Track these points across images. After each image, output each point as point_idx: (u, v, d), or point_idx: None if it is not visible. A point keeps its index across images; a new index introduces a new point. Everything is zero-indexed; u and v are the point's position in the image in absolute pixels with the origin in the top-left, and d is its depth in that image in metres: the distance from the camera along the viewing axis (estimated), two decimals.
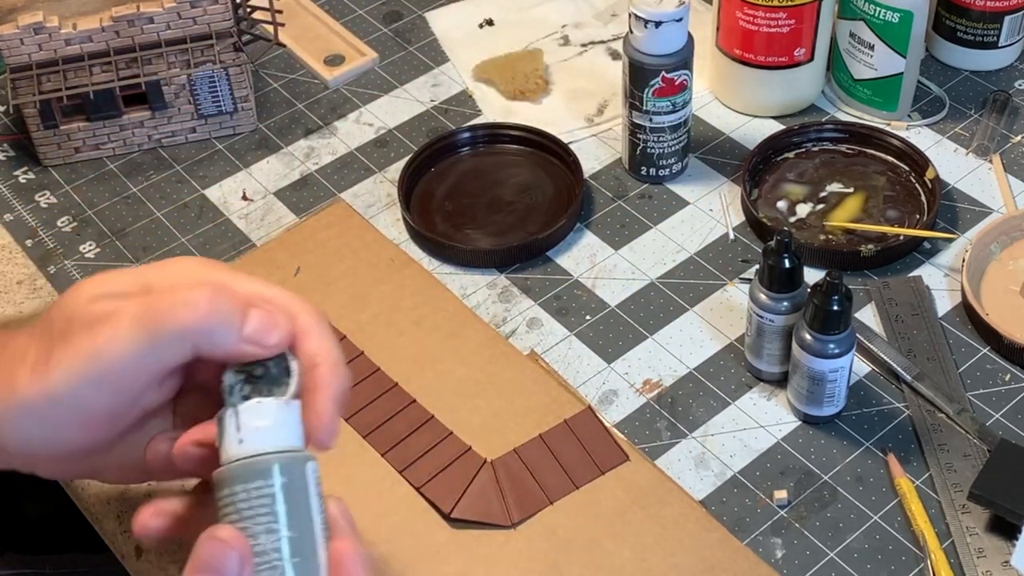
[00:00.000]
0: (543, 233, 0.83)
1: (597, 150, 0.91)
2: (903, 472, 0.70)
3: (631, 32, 0.82)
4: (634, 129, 0.86)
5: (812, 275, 0.72)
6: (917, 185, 0.86)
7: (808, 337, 0.69)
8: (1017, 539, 0.65)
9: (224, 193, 0.90)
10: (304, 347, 0.56)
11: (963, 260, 0.79)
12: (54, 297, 0.83)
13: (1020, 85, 0.94)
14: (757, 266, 0.72)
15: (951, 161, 0.88)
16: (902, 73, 0.89)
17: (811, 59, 0.90)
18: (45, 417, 0.55)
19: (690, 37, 0.83)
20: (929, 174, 0.85)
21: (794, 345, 0.70)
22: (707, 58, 0.94)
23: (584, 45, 1.00)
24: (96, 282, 0.56)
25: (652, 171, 0.88)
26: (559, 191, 0.87)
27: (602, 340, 0.78)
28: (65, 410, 0.54)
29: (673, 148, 0.87)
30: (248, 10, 0.92)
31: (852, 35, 0.89)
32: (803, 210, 0.85)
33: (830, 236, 0.83)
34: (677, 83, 0.83)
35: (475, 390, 0.75)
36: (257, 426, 0.52)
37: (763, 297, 0.71)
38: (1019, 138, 0.90)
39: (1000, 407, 0.73)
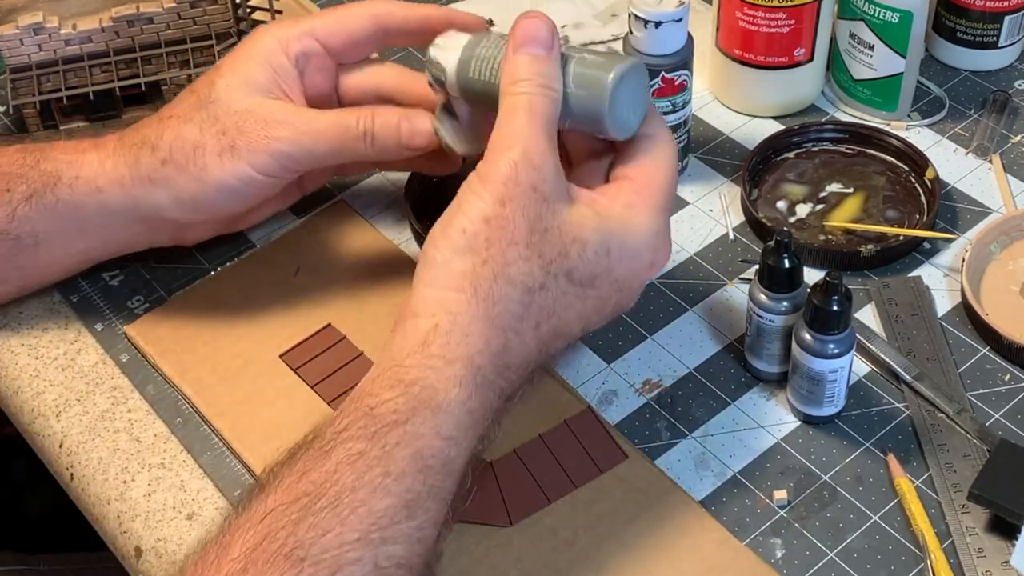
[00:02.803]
0: None
1: None
2: (903, 472, 0.70)
3: (631, 32, 0.82)
4: None
5: (812, 275, 0.72)
6: (917, 185, 0.86)
7: (808, 337, 0.69)
8: (1017, 539, 0.65)
9: None
10: None
11: (963, 260, 0.79)
12: (55, 297, 0.83)
13: (1020, 85, 0.94)
14: (757, 266, 0.72)
15: (951, 161, 0.88)
16: (902, 73, 0.89)
17: (811, 59, 0.90)
18: (234, 191, 0.73)
19: (690, 37, 0.83)
20: (929, 174, 0.85)
21: (794, 345, 0.70)
22: (707, 58, 0.94)
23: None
24: (239, 82, 0.73)
25: None
26: None
27: (602, 340, 0.78)
28: (253, 187, 0.74)
29: None
30: (248, 10, 0.92)
31: (852, 35, 0.89)
32: (803, 210, 0.85)
33: (830, 236, 0.83)
34: (677, 83, 0.83)
35: None
36: None
37: (763, 297, 0.71)
38: (1019, 138, 0.90)
39: (1000, 407, 0.73)
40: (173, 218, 0.75)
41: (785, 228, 0.81)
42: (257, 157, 0.72)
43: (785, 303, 0.71)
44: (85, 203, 0.75)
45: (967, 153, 0.89)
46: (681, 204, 0.87)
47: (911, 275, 0.81)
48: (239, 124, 0.72)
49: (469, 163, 0.68)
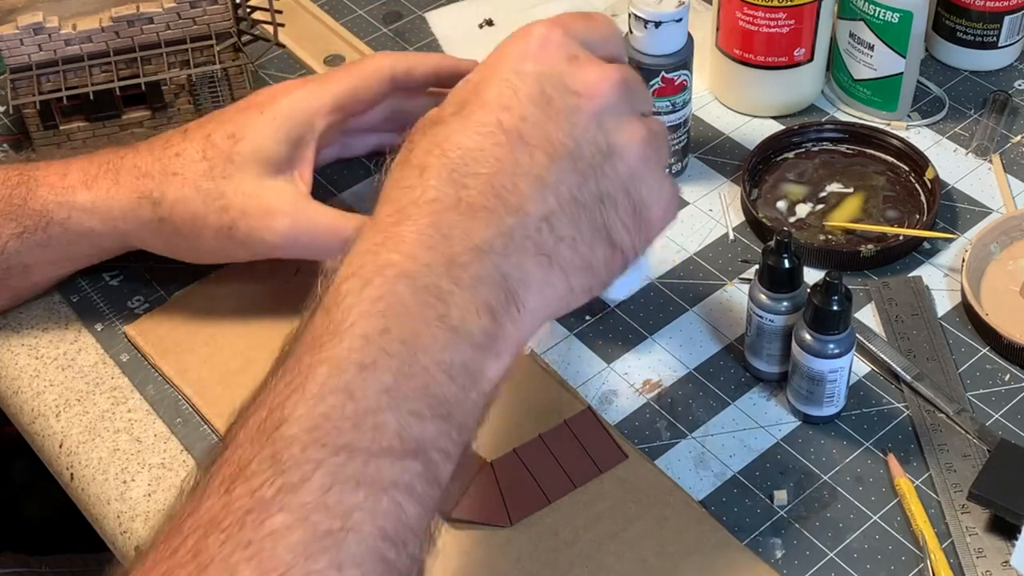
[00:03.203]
0: None
1: None
2: (903, 472, 0.70)
3: (631, 32, 0.82)
4: None
5: (812, 275, 0.72)
6: (917, 185, 0.86)
7: (808, 337, 0.69)
8: (1017, 539, 0.65)
9: None
10: None
11: (963, 260, 0.79)
12: (55, 297, 0.83)
13: (1020, 85, 0.94)
14: (757, 266, 0.72)
15: (951, 161, 0.88)
16: (902, 73, 0.89)
17: (811, 59, 0.90)
18: (225, 258, 0.78)
19: (690, 37, 0.83)
20: (929, 174, 0.85)
21: (794, 345, 0.70)
22: (707, 58, 0.94)
23: None
24: (256, 159, 0.74)
25: None
26: None
27: (602, 340, 0.78)
28: (243, 258, 0.77)
29: (673, 148, 0.87)
30: (248, 10, 0.92)
31: (852, 35, 0.89)
32: (803, 210, 0.85)
33: (830, 236, 0.83)
34: (677, 83, 0.83)
35: None
36: None
37: (763, 297, 0.71)
38: (1019, 138, 0.90)
39: (1000, 407, 0.73)
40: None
41: (785, 228, 0.81)
42: (252, 244, 0.75)
43: (785, 303, 0.71)
44: (77, 240, 0.76)
45: (967, 153, 0.89)
46: (681, 204, 0.87)
47: (911, 275, 0.81)
48: (243, 206, 0.74)
49: None
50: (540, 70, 0.58)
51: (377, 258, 0.54)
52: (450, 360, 0.53)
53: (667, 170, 0.64)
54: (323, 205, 0.76)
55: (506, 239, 0.56)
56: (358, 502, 0.49)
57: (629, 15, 0.81)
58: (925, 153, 0.86)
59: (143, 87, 0.88)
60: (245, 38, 0.91)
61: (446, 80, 0.80)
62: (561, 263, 0.57)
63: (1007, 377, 0.75)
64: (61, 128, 0.90)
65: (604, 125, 0.59)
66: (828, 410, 0.72)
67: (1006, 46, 0.95)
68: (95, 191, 0.75)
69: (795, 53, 0.89)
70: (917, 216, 0.84)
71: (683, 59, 0.82)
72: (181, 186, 0.74)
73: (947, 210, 0.85)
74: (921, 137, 0.90)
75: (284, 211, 0.74)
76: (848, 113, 0.93)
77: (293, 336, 0.55)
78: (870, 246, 0.81)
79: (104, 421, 0.76)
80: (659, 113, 0.84)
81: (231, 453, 0.51)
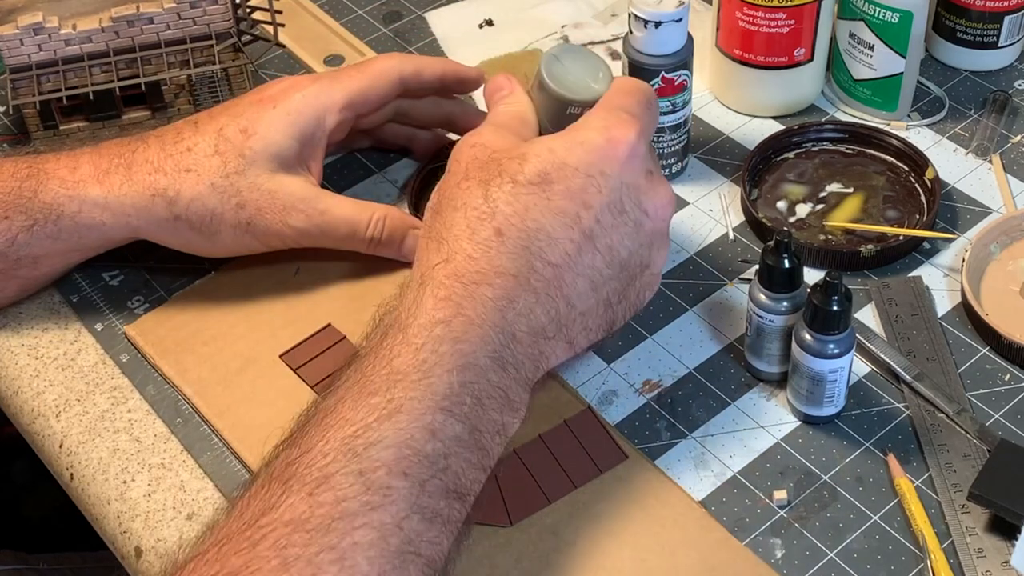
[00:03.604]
0: None
1: None
2: (903, 472, 0.70)
3: (631, 32, 0.82)
4: None
5: (812, 275, 0.72)
6: (917, 185, 0.86)
7: (808, 337, 0.69)
8: (1017, 539, 0.65)
9: None
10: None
11: (963, 260, 0.79)
12: (55, 297, 0.83)
13: (1020, 85, 0.94)
14: (757, 266, 0.72)
15: (951, 161, 0.88)
16: (902, 73, 0.89)
17: (811, 59, 0.90)
18: (242, 252, 0.78)
19: (690, 37, 0.83)
20: (929, 174, 0.85)
21: (794, 345, 0.70)
22: (707, 58, 0.94)
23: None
24: (269, 156, 0.75)
25: None
26: None
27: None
28: (259, 251, 0.79)
29: (673, 148, 0.87)
30: (248, 10, 0.92)
31: (852, 35, 0.89)
32: (803, 210, 0.85)
33: (830, 236, 0.83)
34: (677, 83, 0.83)
35: None
36: None
37: (763, 297, 0.71)
38: (1019, 138, 0.90)
39: (1000, 407, 0.73)
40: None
41: (785, 228, 0.81)
42: (269, 238, 0.77)
43: (785, 303, 0.71)
44: (88, 234, 0.77)
45: (967, 153, 0.89)
46: (681, 204, 0.87)
47: (911, 275, 0.81)
48: (259, 203, 0.75)
49: None
50: (623, 180, 0.66)
51: (462, 314, 0.61)
52: (499, 420, 0.61)
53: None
54: (337, 195, 0.78)
55: (555, 326, 0.64)
56: (421, 532, 0.56)
57: (629, 15, 0.81)
58: (925, 153, 0.86)
59: (143, 87, 0.88)
60: (245, 38, 0.91)
61: (451, 85, 0.84)
62: (576, 346, 0.67)
63: (1007, 377, 0.75)
64: (61, 128, 0.90)
65: (652, 243, 0.68)
66: (828, 410, 0.72)
67: (1006, 46, 0.95)
68: (107, 186, 0.75)
69: (795, 53, 0.89)
70: (917, 216, 0.84)
71: (683, 59, 0.82)
72: (195, 183, 0.74)
73: (947, 210, 0.85)
74: (921, 137, 0.90)
75: (299, 206, 0.75)
76: (848, 113, 0.93)
77: (371, 347, 0.61)
78: (870, 246, 0.81)
79: (104, 421, 0.76)
80: (659, 113, 0.84)
81: (312, 459, 0.56)
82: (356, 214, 0.77)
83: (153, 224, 0.76)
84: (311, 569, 0.52)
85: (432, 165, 0.88)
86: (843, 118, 0.92)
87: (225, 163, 0.75)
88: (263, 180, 0.75)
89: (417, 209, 0.84)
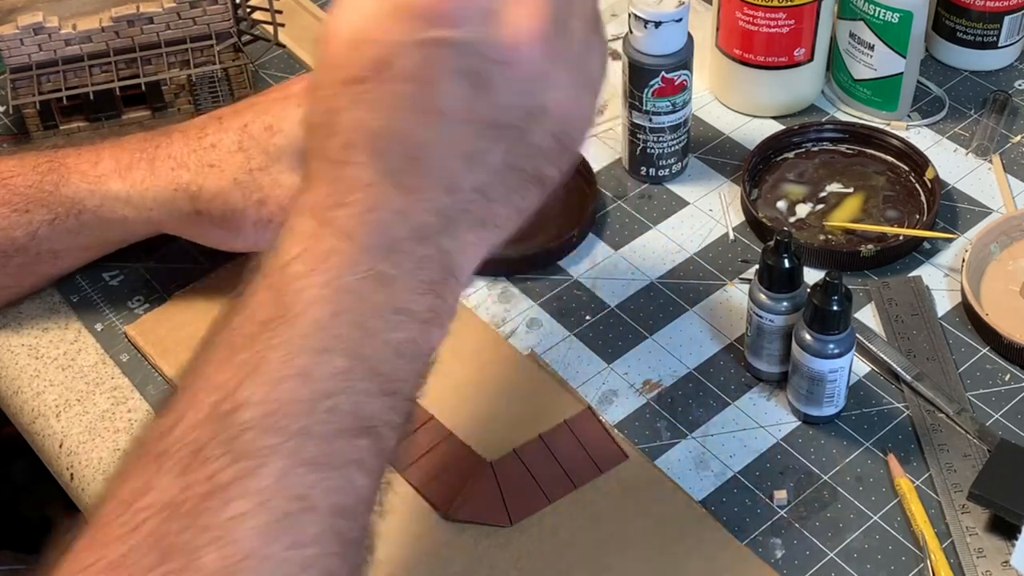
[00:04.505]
0: (555, 243, 0.82)
1: (597, 150, 0.91)
2: (903, 472, 0.70)
3: (631, 32, 0.82)
4: (634, 129, 0.86)
5: (812, 275, 0.72)
6: (917, 185, 0.86)
7: (808, 337, 0.69)
8: (1017, 539, 0.65)
9: None
10: None
11: (963, 260, 0.79)
12: (55, 297, 0.83)
13: (1020, 85, 0.94)
14: (757, 266, 0.72)
15: (951, 161, 0.88)
16: (902, 73, 0.89)
17: (811, 59, 0.90)
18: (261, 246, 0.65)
19: (690, 37, 0.83)
20: (929, 174, 0.85)
21: (794, 345, 0.70)
22: (707, 58, 0.94)
23: None
24: (291, 152, 0.73)
25: (652, 171, 0.88)
26: (569, 194, 0.86)
27: (602, 340, 0.78)
28: None
29: (673, 148, 0.87)
30: (248, 10, 0.92)
31: (852, 35, 0.89)
32: (803, 210, 0.85)
33: (830, 236, 0.83)
34: (677, 83, 0.83)
35: (475, 390, 0.75)
36: None
37: (763, 297, 0.71)
38: (1019, 138, 0.90)
39: (1000, 407, 0.73)
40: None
41: (785, 228, 0.81)
42: None
43: (785, 303, 0.71)
44: (109, 228, 0.77)
45: (967, 153, 0.89)
46: (681, 204, 0.87)
47: (911, 275, 0.81)
48: (279, 199, 0.74)
49: None
50: (459, 38, 0.53)
51: (320, 243, 0.54)
52: (398, 339, 0.54)
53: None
54: None
55: (443, 217, 0.55)
56: (313, 483, 0.50)
57: (629, 15, 0.81)
58: (925, 153, 0.86)
59: (143, 87, 0.88)
60: (245, 38, 0.91)
61: None
62: (496, 221, 0.57)
63: (1007, 377, 0.75)
64: (61, 128, 0.90)
65: (531, 89, 0.55)
66: (828, 410, 0.72)
67: (1006, 46, 0.95)
68: (129, 180, 0.75)
69: (795, 53, 0.89)
70: (917, 216, 0.84)
71: (683, 59, 0.82)
72: (219, 179, 0.74)
73: (947, 210, 0.85)
74: (921, 137, 0.90)
75: None
76: (848, 113, 0.93)
77: (234, 308, 0.55)
78: (870, 246, 0.81)
79: (104, 421, 0.76)
80: (659, 113, 0.84)
81: (183, 433, 0.51)
82: None
83: (175, 219, 0.76)
84: (190, 556, 0.48)
85: None
86: (843, 118, 0.92)
87: (249, 159, 0.74)
88: (286, 177, 0.74)
89: None
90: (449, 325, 0.56)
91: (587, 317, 0.79)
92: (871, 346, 0.75)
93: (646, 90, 0.83)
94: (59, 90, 0.87)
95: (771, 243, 0.70)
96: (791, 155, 0.89)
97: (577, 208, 0.85)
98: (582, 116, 0.58)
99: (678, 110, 0.85)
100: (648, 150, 0.86)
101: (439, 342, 0.56)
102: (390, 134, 0.55)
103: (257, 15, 0.93)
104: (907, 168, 0.87)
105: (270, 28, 0.93)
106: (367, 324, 0.53)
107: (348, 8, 0.56)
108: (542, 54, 0.55)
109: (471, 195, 0.56)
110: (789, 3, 0.86)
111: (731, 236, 0.84)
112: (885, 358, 0.75)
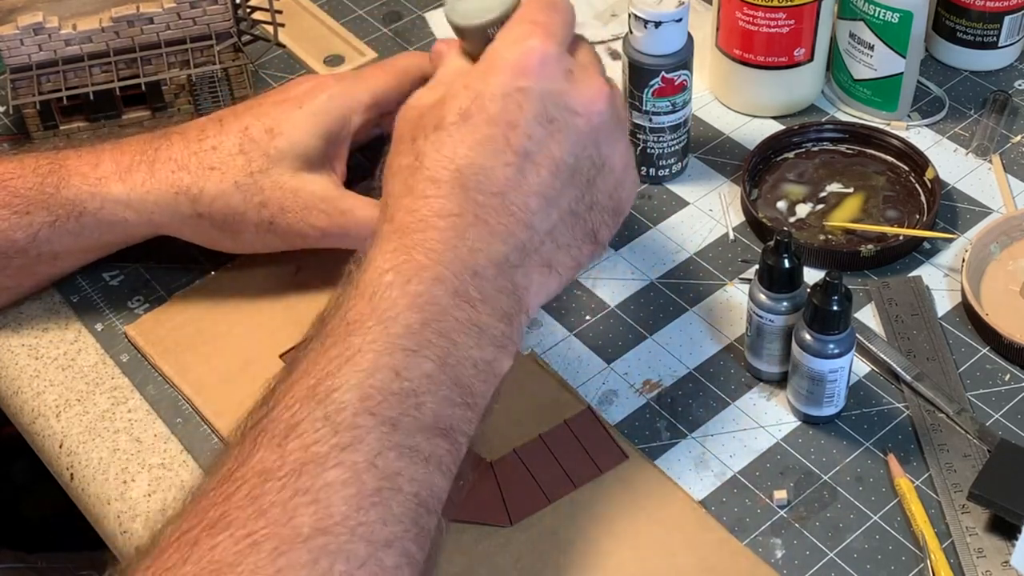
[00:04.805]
0: None
1: None
2: (903, 472, 0.70)
3: (631, 32, 0.82)
4: (634, 129, 0.86)
5: (812, 275, 0.72)
6: (917, 185, 0.86)
7: (808, 337, 0.69)
8: (1017, 539, 0.65)
9: None
10: None
11: (963, 260, 0.79)
12: (55, 297, 0.83)
13: (1020, 85, 0.94)
14: (757, 266, 0.72)
15: (951, 161, 0.88)
16: (902, 73, 0.89)
17: (811, 59, 0.90)
18: (263, 249, 0.78)
19: (690, 37, 0.83)
20: (929, 174, 0.85)
21: (794, 345, 0.70)
22: (707, 58, 0.94)
23: None
24: (294, 155, 0.75)
25: (652, 171, 0.88)
26: None
27: (602, 340, 0.78)
28: (280, 249, 0.79)
29: (673, 148, 0.87)
30: (248, 10, 0.92)
31: (852, 35, 0.89)
32: (803, 210, 0.85)
33: (830, 236, 0.83)
34: (677, 83, 0.83)
35: None
36: None
37: (763, 297, 0.71)
38: (1019, 138, 0.90)
39: (1000, 407, 0.73)
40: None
41: (785, 228, 0.81)
42: (291, 238, 0.76)
43: (785, 303, 0.71)
44: (110, 230, 0.77)
45: (967, 153, 0.89)
46: (681, 204, 0.87)
47: (911, 275, 0.81)
48: (281, 202, 0.75)
49: None
50: (542, 88, 0.63)
51: (412, 259, 0.59)
52: (477, 356, 0.59)
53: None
54: (360, 196, 0.77)
55: (519, 253, 0.62)
56: (401, 468, 0.55)
57: (629, 15, 0.81)
58: (925, 153, 0.86)
59: (143, 87, 0.88)
60: (245, 38, 0.91)
61: None
62: (558, 268, 0.64)
63: (1007, 377, 0.75)
64: (61, 128, 0.90)
65: (598, 140, 0.64)
66: (828, 410, 0.72)
67: (1006, 46, 0.95)
68: (129, 183, 0.75)
69: (795, 53, 0.89)
70: (917, 216, 0.84)
71: (683, 59, 0.82)
72: (219, 182, 0.74)
73: (947, 210, 0.85)
74: (921, 137, 0.90)
75: (321, 206, 0.75)
76: (848, 113, 0.93)
77: (329, 312, 0.61)
78: (870, 246, 0.81)
79: (104, 421, 0.76)
80: (659, 113, 0.84)
81: (279, 413, 0.55)
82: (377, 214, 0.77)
83: (176, 221, 0.76)
84: (287, 514, 0.52)
85: None
86: (843, 118, 0.92)
87: (249, 162, 0.75)
88: (286, 179, 0.75)
89: None
90: (515, 356, 0.62)
91: (587, 317, 0.79)
92: (871, 346, 0.75)
93: (646, 90, 0.83)
94: (59, 90, 0.87)
95: (771, 243, 0.70)
96: (791, 155, 0.89)
97: None
98: (632, 179, 0.67)
99: (678, 110, 0.85)
100: (648, 150, 0.86)
101: (506, 370, 0.61)
102: (476, 171, 0.61)
103: (257, 15, 0.93)
104: (907, 168, 0.87)
105: (270, 28, 0.93)
106: (453, 337, 0.59)
107: (443, 70, 0.67)
108: (610, 114, 0.64)
109: (543, 236, 0.63)
110: (789, 3, 0.86)
111: (731, 236, 0.84)
112: (885, 358, 0.75)
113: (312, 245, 0.77)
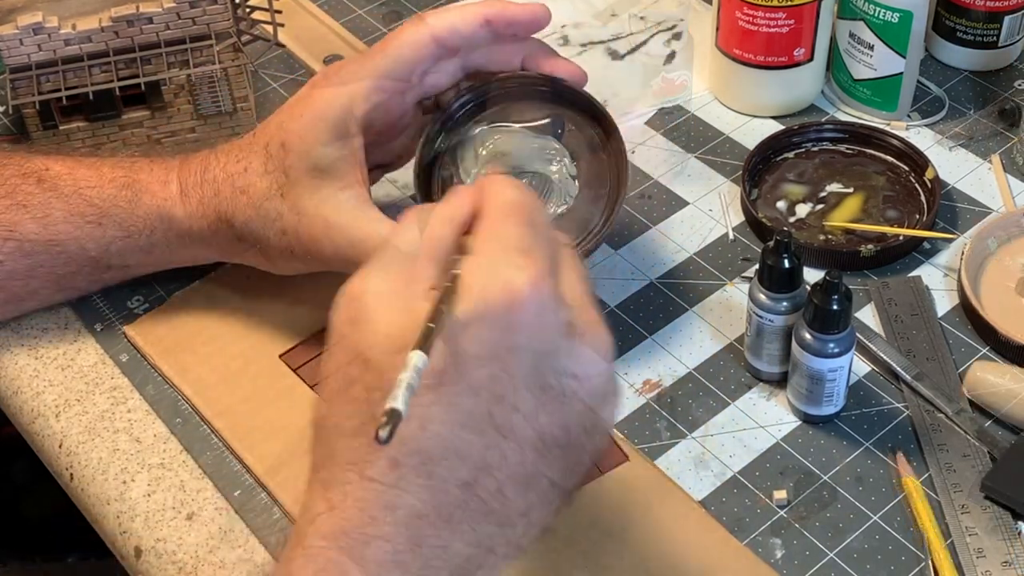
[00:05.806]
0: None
1: None
2: (911, 471, 0.69)
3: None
4: None
5: (812, 275, 0.72)
6: (917, 185, 0.86)
7: (808, 337, 0.69)
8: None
9: None
10: None
11: (961, 257, 0.79)
12: None
13: (1020, 85, 0.94)
14: (757, 266, 0.72)
15: (951, 161, 0.88)
16: (902, 73, 0.89)
17: (811, 59, 0.90)
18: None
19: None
20: (929, 174, 0.85)
21: (794, 345, 0.70)
22: (707, 58, 0.94)
23: (583, 45, 1.00)
24: (307, 169, 0.71)
25: None
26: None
27: None
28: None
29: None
30: (247, 10, 0.92)
31: (852, 35, 0.89)
32: (803, 210, 0.85)
33: (830, 236, 0.83)
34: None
35: None
36: None
37: (763, 297, 0.71)
38: (1019, 138, 0.90)
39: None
40: None
41: (785, 228, 0.81)
42: (310, 263, 0.74)
43: (785, 303, 0.71)
44: (178, 251, 0.77)
45: (967, 153, 0.89)
46: (681, 204, 0.87)
47: (911, 275, 0.81)
48: (297, 227, 0.72)
49: None
50: (536, 351, 0.50)
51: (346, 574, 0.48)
52: None
53: None
54: (380, 214, 0.72)
55: (484, 549, 0.51)
56: None
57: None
58: (925, 153, 0.86)
59: (143, 87, 0.88)
60: (245, 38, 0.91)
61: (502, 29, 0.73)
62: (525, 541, 0.53)
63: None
64: (61, 128, 0.90)
65: (601, 402, 0.53)
66: (828, 410, 0.72)
67: (1006, 46, 0.95)
68: (187, 207, 0.75)
69: (795, 53, 0.89)
70: (917, 216, 0.84)
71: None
72: (246, 207, 0.73)
73: (947, 210, 0.85)
74: (921, 137, 0.90)
75: (340, 227, 0.71)
76: (848, 113, 0.93)
77: None
78: (870, 246, 0.81)
79: (104, 421, 0.76)
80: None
81: None
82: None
83: (225, 246, 0.76)
84: None
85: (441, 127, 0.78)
86: (843, 118, 0.92)
87: (271, 183, 0.73)
88: (303, 200, 0.72)
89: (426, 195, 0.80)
90: None
91: None
92: (871, 346, 0.75)
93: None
94: (59, 90, 0.87)
95: (771, 243, 0.70)
96: (791, 155, 0.89)
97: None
98: (610, 430, 0.57)
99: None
100: None
101: None
102: (446, 454, 0.49)
103: (257, 15, 0.93)
104: (907, 168, 0.87)
105: (270, 28, 0.93)
106: None
107: (389, 308, 0.51)
108: (609, 372, 0.53)
109: (516, 520, 0.52)
110: (789, 3, 0.86)
111: (731, 236, 0.84)
112: (885, 358, 0.75)
113: (335, 268, 0.71)
